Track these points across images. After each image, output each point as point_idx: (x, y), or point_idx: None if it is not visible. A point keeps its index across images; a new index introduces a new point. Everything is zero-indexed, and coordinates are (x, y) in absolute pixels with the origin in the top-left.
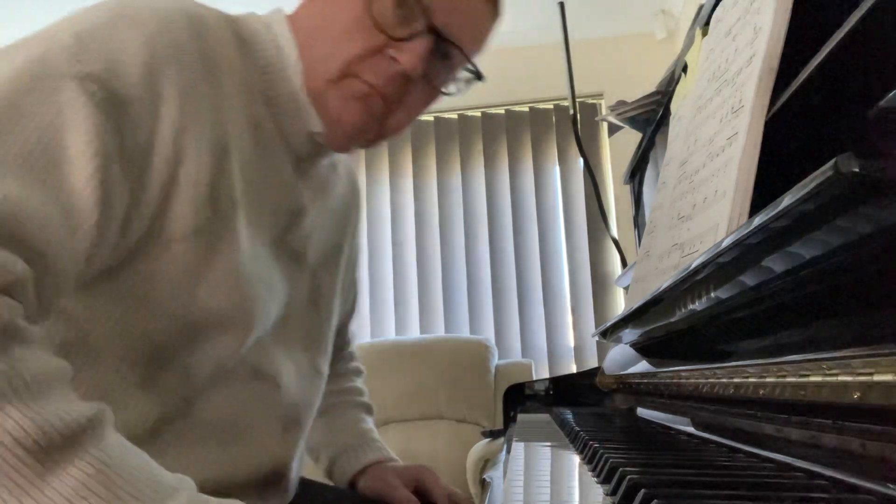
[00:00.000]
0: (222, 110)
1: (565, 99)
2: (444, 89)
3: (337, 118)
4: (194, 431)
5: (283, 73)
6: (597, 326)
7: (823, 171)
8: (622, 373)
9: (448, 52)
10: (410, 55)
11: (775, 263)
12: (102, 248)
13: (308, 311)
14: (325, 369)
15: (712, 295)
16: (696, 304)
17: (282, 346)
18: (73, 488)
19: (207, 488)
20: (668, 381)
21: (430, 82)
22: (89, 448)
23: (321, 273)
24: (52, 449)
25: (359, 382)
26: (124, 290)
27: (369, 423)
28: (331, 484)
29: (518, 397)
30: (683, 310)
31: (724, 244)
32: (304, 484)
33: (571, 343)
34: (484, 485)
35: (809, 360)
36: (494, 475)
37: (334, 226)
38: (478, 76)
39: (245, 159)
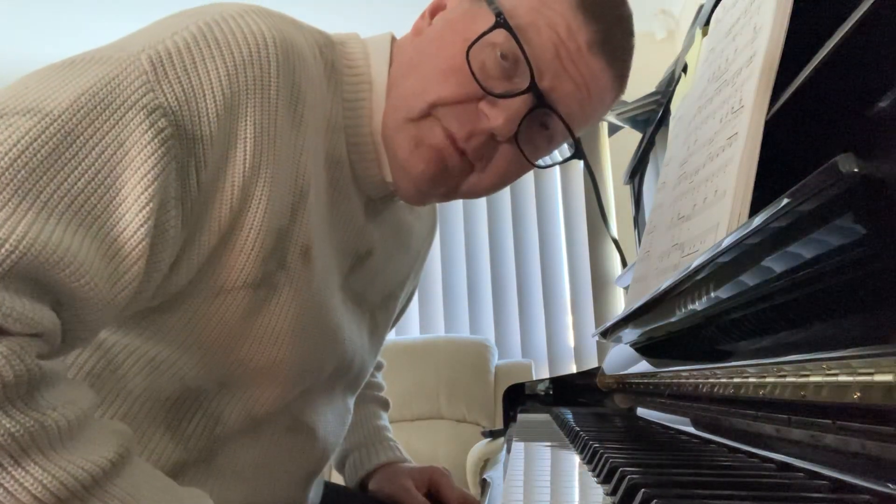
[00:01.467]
0: (304, 151)
1: None
2: (535, 161)
3: (404, 163)
4: (215, 479)
5: (365, 111)
6: (597, 326)
7: (823, 171)
8: (622, 373)
9: (547, 120)
10: (503, 114)
11: (775, 263)
12: (145, 293)
13: (367, 352)
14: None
15: (712, 295)
16: (696, 304)
17: (327, 394)
18: None
19: None
20: (668, 381)
21: (520, 149)
22: (112, 490)
23: (379, 313)
24: (74, 499)
25: (378, 376)
26: (161, 333)
27: (384, 419)
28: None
29: (518, 397)
30: (683, 310)
31: (724, 244)
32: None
33: (571, 343)
34: (484, 485)
35: (809, 360)
36: (494, 475)
37: (402, 264)
38: (578, 155)
39: (320, 199)
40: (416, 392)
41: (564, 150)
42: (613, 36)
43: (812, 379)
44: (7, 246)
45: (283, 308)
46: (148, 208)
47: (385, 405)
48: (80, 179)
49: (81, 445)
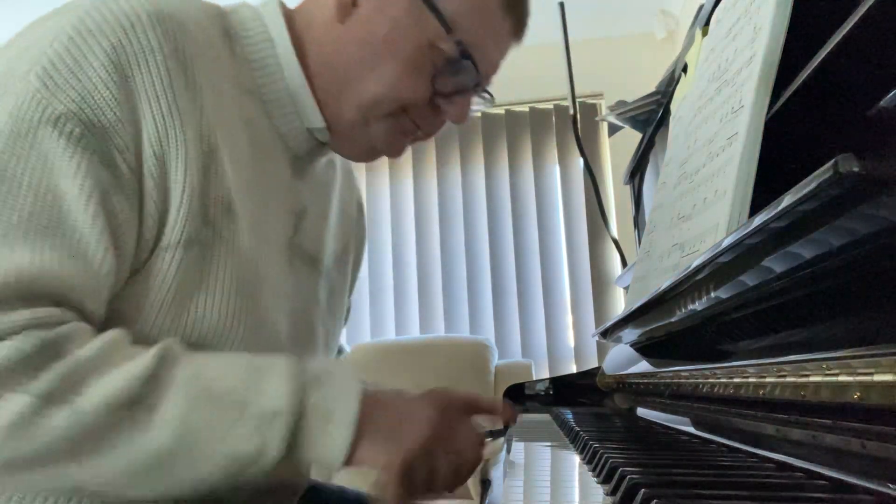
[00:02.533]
0: (204, 112)
1: (565, 99)
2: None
3: (372, 142)
4: None
5: (275, 68)
6: (597, 326)
7: (823, 171)
8: (622, 373)
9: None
10: (459, 109)
11: (775, 263)
12: (122, 275)
13: (327, 316)
14: None
15: (712, 295)
16: (696, 304)
17: (296, 350)
18: (180, 406)
19: (209, 500)
20: (668, 381)
21: (465, 116)
22: (173, 374)
23: (334, 275)
24: (143, 393)
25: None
26: (117, 303)
27: None
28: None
29: (518, 397)
30: (683, 310)
31: (724, 244)
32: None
33: (571, 343)
34: (484, 485)
35: (809, 360)
36: (494, 475)
37: (339, 226)
38: (488, 99)
39: (239, 159)
40: (416, 392)
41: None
42: (526, 15)
43: (812, 379)
44: None
45: (219, 263)
46: (92, 203)
47: None
48: (24, 204)
49: (123, 361)
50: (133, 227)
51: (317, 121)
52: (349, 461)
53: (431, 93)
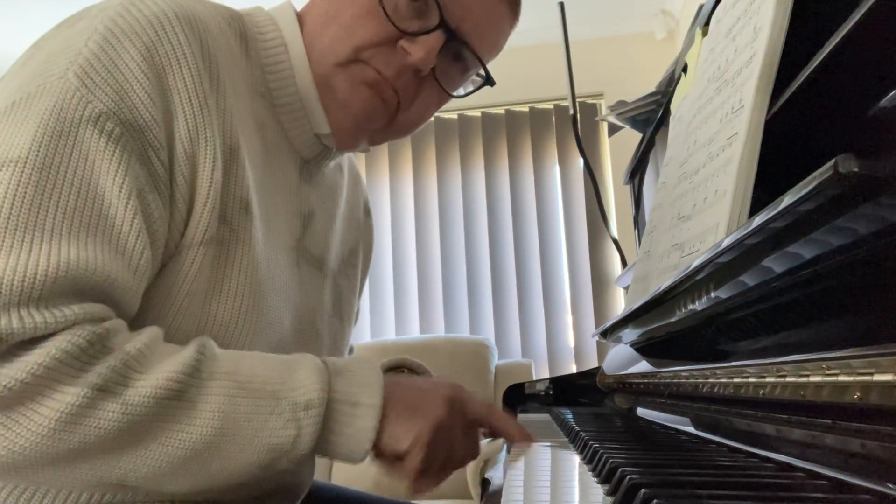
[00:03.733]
0: (227, 112)
1: (565, 99)
2: (453, 92)
3: (345, 102)
4: None
5: (287, 73)
6: (597, 326)
7: (823, 171)
8: (622, 373)
9: (460, 52)
10: (421, 48)
11: (775, 263)
12: (153, 273)
13: (333, 319)
14: None
15: (712, 295)
16: (696, 304)
17: (301, 350)
18: (220, 399)
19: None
20: (668, 381)
21: (439, 82)
22: (213, 369)
23: (340, 279)
24: (186, 386)
25: None
26: (149, 294)
27: None
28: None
29: (518, 397)
30: (683, 310)
31: (724, 244)
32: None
33: (571, 343)
34: (484, 485)
35: (809, 360)
36: (494, 475)
37: (347, 229)
38: (488, 81)
39: (254, 161)
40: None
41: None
42: None
43: (812, 379)
44: (38, 276)
45: (235, 262)
46: (132, 202)
47: None
48: (68, 201)
49: (165, 356)
50: (164, 225)
51: (324, 126)
52: (377, 444)
53: (391, 33)
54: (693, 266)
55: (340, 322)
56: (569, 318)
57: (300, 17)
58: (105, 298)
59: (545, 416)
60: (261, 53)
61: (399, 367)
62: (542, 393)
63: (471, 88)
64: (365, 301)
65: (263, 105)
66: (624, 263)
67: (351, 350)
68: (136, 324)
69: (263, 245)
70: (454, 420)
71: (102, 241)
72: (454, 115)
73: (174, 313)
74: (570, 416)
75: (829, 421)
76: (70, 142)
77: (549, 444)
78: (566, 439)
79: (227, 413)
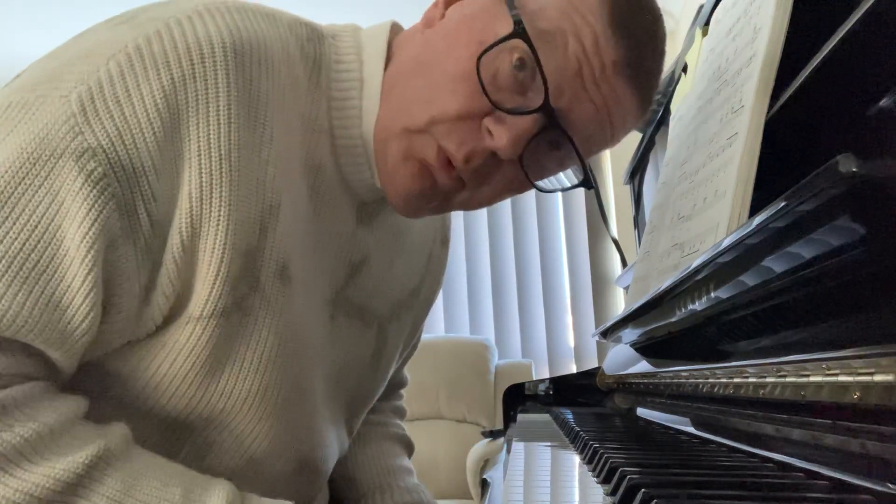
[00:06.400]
0: (269, 162)
1: None
2: (538, 182)
3: (391, 173)
4: None
5: (354, 111)
6: (597, 326)
7: (823, 171)
8: (622, 373)
9: (559, 142)
10: (509, 133)
11: (775, 263)
12: (115, 331)
13: (368, 370)
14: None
15: (712, 295)
16: (696, 304)
17: (328, 412)
18: None
19: None
20: (668, 381)
21: (523, 169)
22: (101, 484)
23: (389, 325)
24: (62, 501)
25: (401, 400)
26: (145, 361)
27: (404, 460)
28: None
29: (518, 397)
30: (683, 310)
31: (724, 244)
32: None
33: (571, 343)
34: (484, 485)
35: (809, 360)
36: (494, 475)
37: (410, 268)
38: (585, 183)
39: (299, 214)
40: (415, 392)
41: (570, 173)
42: (644, 57)
43: (812, 379)
44: None
45: (261, 332)
46: (91, 254)
47: (407, 446)
48: (16, 240)
49: (62, 449)
50: (134, 284)
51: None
52: None
53: (481, 106)
54: (693, 266)
55: (375, 374)
56: (569, 318)
57: (392, 48)
58: (31, 351)
59: (545, 416)
60: (332, 86)
61: None
62: (542, 393)
63: (566, 184)
64: None
65: (323, 142)
66: (624, 263)
67: (401, 384)
68: (131, 391)
69: (300, 308)
70: None
71: (39, 294)
72: None
73: (179, 384)
74: (570, 416)
75: (829, 421)
76: (44, 172)
77: (549, 444)
78: (566, 439)
79: None
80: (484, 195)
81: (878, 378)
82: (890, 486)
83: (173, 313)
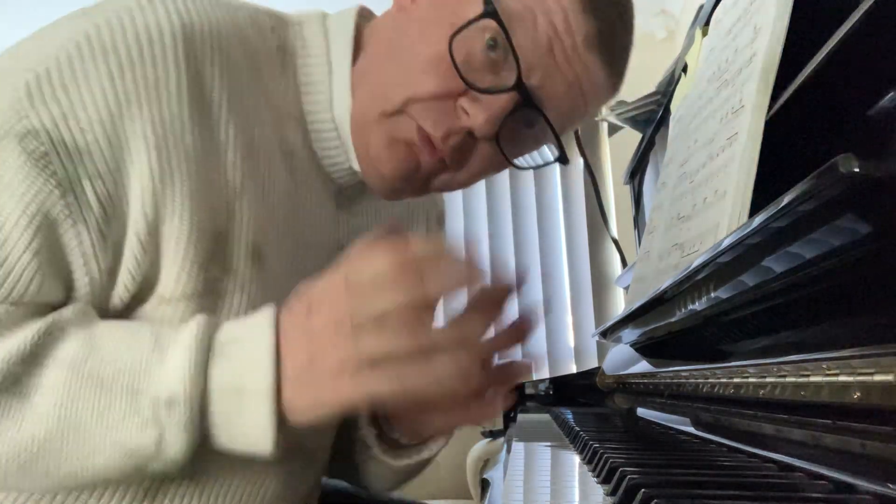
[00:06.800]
0: (231, 147)
1: None
2: (516, 160)
3: (376, 158)
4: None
5: (323, 96)
6: (597, 326)
7: (823, 171)
8: (622, 373)
9: (533, 119)
10: (484, 112)
11: (775, 263)
12: (73, 304)
13: None
14: None
15: (712, 295)
16: (696, 304)
17: None
18: (60, 393)
19: None
20: (668, 381)
21: (502, 149)
22: (57, 355)
23: None
24: (19, 376)
25: None
26: None
27: None
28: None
29: (518, 397)
30: (683, 310)
31: (724, 244)
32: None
33: (571, 343)
34: (484, 485)
35: (809, 360)
36: (494, 475)
37: None
38: (561, 159)
39: (274, 195)
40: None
41: (546, 151)
42: (614, 32)
43: (812, 379)
44: None
45: (237, 315)
46: (31, 229)
47: None
48: None
49: (13, 333)
50: (95, 265)
51: (356, 162)
52: (288, 427)
53: (456, 87)
54: (693, 266)
55: None
56: (569, 318)
57: (364, 34)
58: None
59: (545, 416)
60: (299, 71)
61: None
62: (542, 393)
63: (539, 161)
64: None
65: (295, 129)
66: (624, 263)
67: None
68: None
69: (285, 289)
70: (369, 331)
71: None
72: None
73: None
74: (570, 416)
75: (830, 421)
76: None
77: (549, 444)
78: (566, 439)
79: (66, 412)
80: (463, 176)
81: (878, 378)
82: (890, 486)
83: (143, 292)
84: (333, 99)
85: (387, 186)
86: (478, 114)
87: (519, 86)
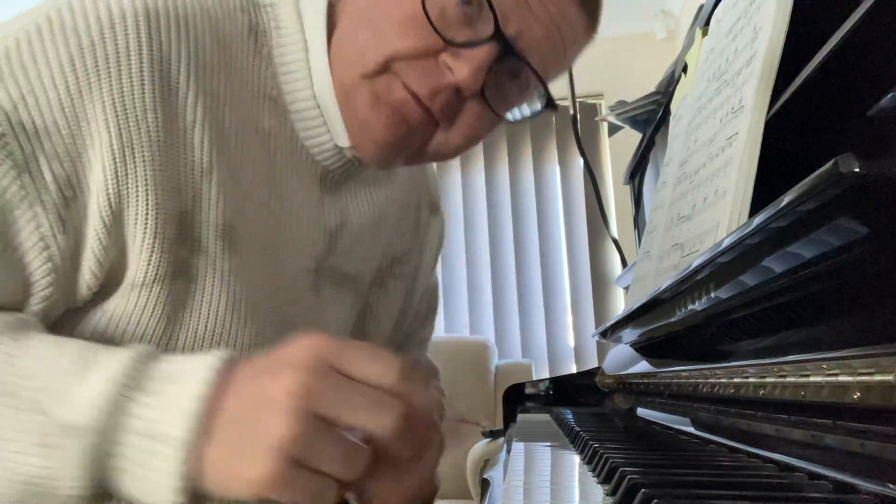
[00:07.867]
0: (198, 127)
1: (565, 99)
2: (505, 114)
3: (364, 122)
4: None
5: (301, 74)
6: (597, 326)
7: (823, 171)
8: (622, 373)
9: (517, 69)
10: (467, 65)
11: (775, 263)
12: (45, 296)
13: (359, 339)
14: None
15: (712, 295)
16: (696, 304)
17: None
18: None
19: None
20: (668, 381)
21: (489, 103)
22: None
23: (376, 290)
24: None
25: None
26: (89, 331)
27: None
28: None
29: (518, 397)
30: (683, 310)
31: (724, 244)
32: None
33: (571, 343)
34: (484, 485)
35: (809, 360)
36: (494, 475)
37: (394, 234)
38: (550, 105)
39: (249, 177)
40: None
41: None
42: None
43: (812, 379)
44: None
45: (210, 297)
46: None
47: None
48: None
49: None
50: (55, 247)
51: (344, 140)
52: (194, 490)
53: (434, 43)
54: (693, 266)
55: (360, 340)
56: (569, 318)
57: (334, 12)
58: None
59: (545, 416)
60: (274, 52)
61: None
62: (542, 393)
63: (527, 113)
64: None
65: (273, 110)
66: (624, 263)
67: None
68: None
69: (266, 272)
70: (315, 432)
71: None
72: None
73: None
74: (570, 416)
75: (830, 421)
76: None
77: (549, 444)
78: (566, 439)
79: None
80: (456, 136)
81: (878, 378)
82: (890, 486)
83: (113, 279)
84: (313, 76)
85: (381, 153)
86: (461, 67)
87: (497, 35)
